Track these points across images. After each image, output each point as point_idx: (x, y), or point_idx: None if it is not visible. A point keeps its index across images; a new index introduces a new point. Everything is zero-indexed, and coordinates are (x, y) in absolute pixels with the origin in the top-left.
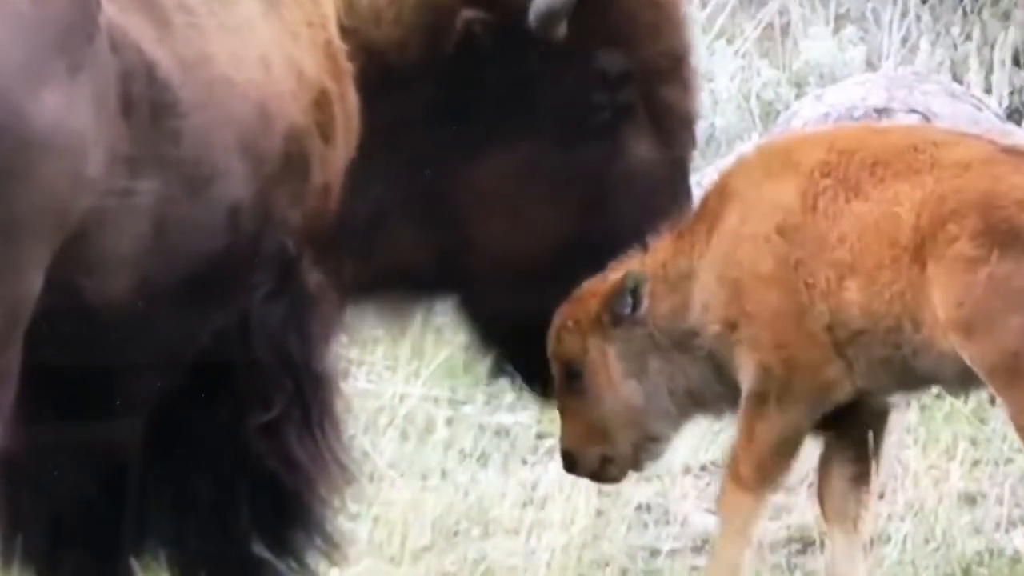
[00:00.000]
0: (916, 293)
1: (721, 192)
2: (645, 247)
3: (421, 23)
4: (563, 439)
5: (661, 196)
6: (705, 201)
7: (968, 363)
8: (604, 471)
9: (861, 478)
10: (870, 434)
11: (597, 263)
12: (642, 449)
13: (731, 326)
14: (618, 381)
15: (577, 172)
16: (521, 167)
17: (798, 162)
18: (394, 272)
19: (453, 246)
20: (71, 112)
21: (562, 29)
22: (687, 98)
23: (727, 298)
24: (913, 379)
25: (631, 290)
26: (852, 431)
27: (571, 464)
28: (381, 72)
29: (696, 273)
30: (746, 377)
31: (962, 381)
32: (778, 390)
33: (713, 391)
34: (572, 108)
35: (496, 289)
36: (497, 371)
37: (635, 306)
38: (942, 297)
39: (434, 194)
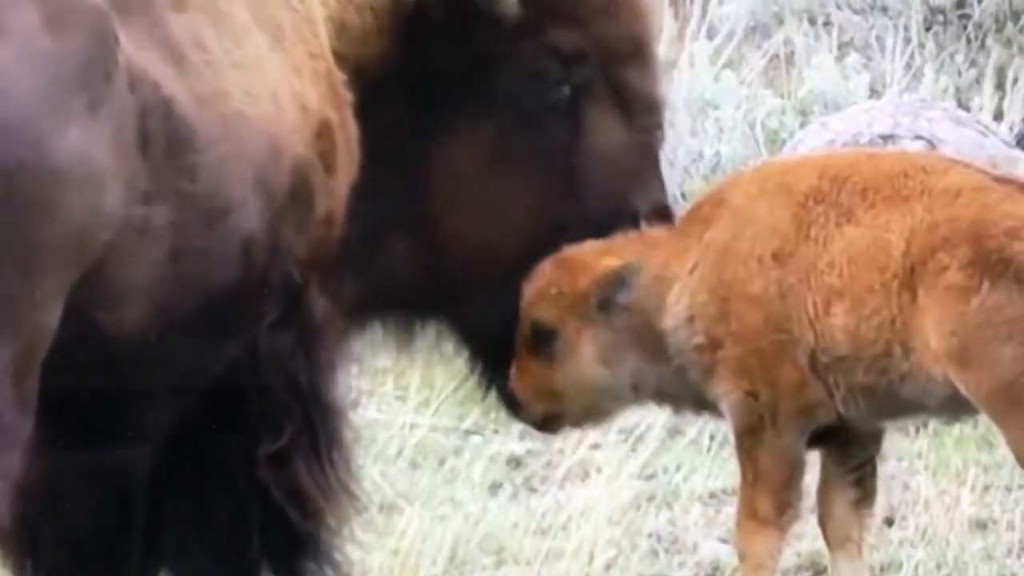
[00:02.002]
0: (906, 320)
1: (715, 203)
2: (640, 233)
3: (392, 24)
4: (515, 383)
5: (628, 180)
6: (698, 208)
7: (964, 392)
8: (546, 424)
9: (863, 502)
10: (869, 457)
11: (562, 247)
12: (590, 416)
13: (716, 344)
14: (586, 361)
15: (546, 155)
16: (491, 154)
17: (792, 186)
18: (387, 288)
19: (434, 246)
20: (90, 147)
21: (512, 5)
22: (650, 82)
23: (716, 314)
24: (896, 406)
25: (626, 283)
26: (850, 455)
27: (515, 408)
28: (368, 90)
29: (683, 279)
30: (730, 408)
31: (948, 409)
32: (770, 415)
33: (677, 392)
34: (531, 89)
35: (475, 283)
36: (486, 384)
37: (624, 296)
38: (935, 326)
39: (415, 196)
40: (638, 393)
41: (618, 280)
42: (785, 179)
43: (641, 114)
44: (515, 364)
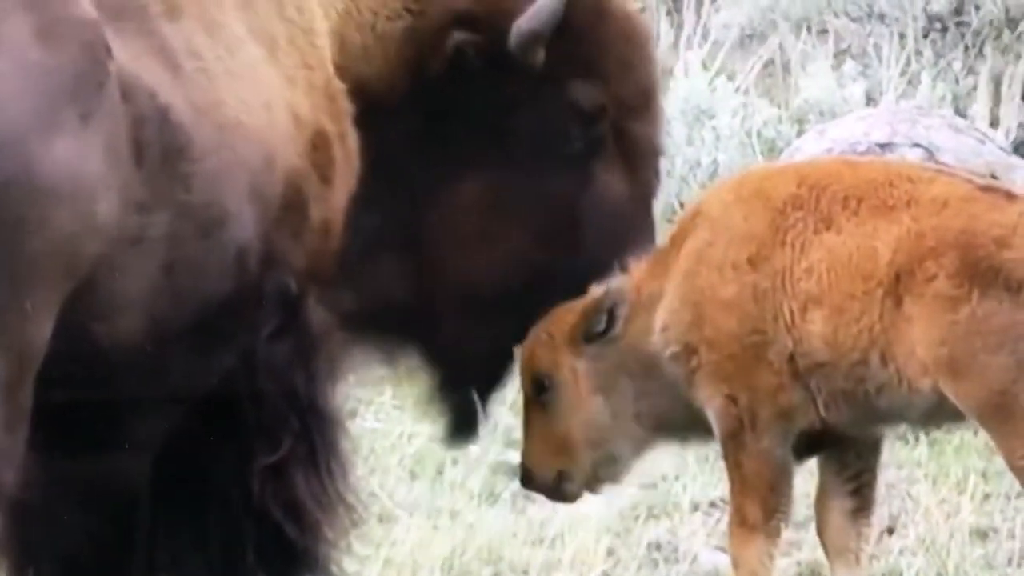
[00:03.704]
0: (887, 329)
1: (693, 215)
2: (624, 269)
3: (407, 54)
4: (523, 453)
5: (625, 229)
6: (679, 225)
7: (955, 402)
8: (560, 488)
9: (861, 511)
10: (867, 467)
11: (561, 295)
12: (601, 468)
13: (691, 351)
14: (586, 398)
15: (549, 203)
16: (495, 195)
17: (769, 193)
18: (373, 305)
19: (426, 273)
20: (82, 159)
21: (540, 55)
22: (655, 134)
23: (689, 321)
24: (876, 415)
25: (608, 308)
26: (846, 464)
27: (527, 478)
28: (369, 107)
29: (663, 295)
30: (714, 414)
31: (929, 420)
32: (750, 420)
33: (678, 417)
34: (547, 138)
35: (458, 317)
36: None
37: (610, 325)
38: (923, 336)
39: (412, 221)
40: (641, 423)
41: (601, 310)
42: (762, 186)
43: (645, 164)
44: (523, 436)
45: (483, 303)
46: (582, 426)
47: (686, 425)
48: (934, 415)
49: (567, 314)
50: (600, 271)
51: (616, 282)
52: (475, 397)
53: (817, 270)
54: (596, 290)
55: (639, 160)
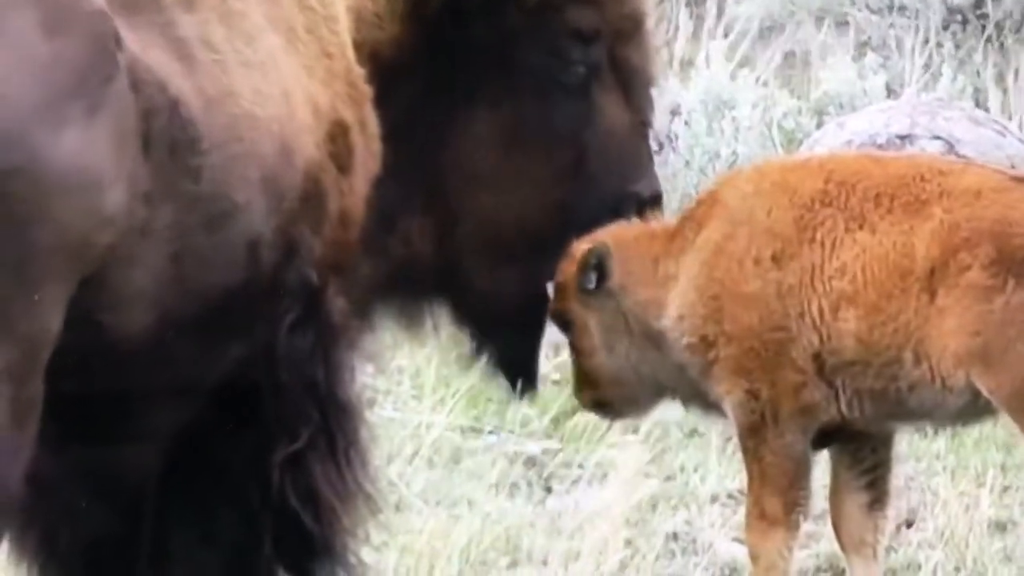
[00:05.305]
0: (922, 324)
1: (710, 203)
2: (643, 223)
3: (408, 5)
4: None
5: (631, 161)
6: (694, 208)
7: (985, 393)
8: (599, 411)
9: (876, 504)
10: (881, 460)
11: (576, 228)
12: (623, 405)
13: (708, 343)
14: (594, 346)
15: (558, 134)
16: (507, 132)
17: (795, 188)
18: (403, 269)
19: (448, 223)
20: (89, 152)
21: None
22: (648, 60)
23: (706, 314)
24: (903, 413)
25: (594, 265)
26: (860, 458)
27: (576, 397)
28: (384, 74)
29: (677, 278)
30: (732, 407)
31: (955, 419)
32: (771, 415)
33: (677, 386)
34: (549, 67)
35: (484, 262)
36: (492, 371)
37: (600, 279)
38: (956, 327)
39: (432, 173)
40: (643, 382)
41: (587, 268)
42: (786, 180)
43: (640, 93)
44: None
45: (507, 244)
46: (595, 368)
47: (683, 393)
48: (963, 414)
49: (571, 260)
50: (613, 202)
51: (601, 236)
52: (521, 343)
53: (851, 268)
54: (580, 246)
55: (634, 87)
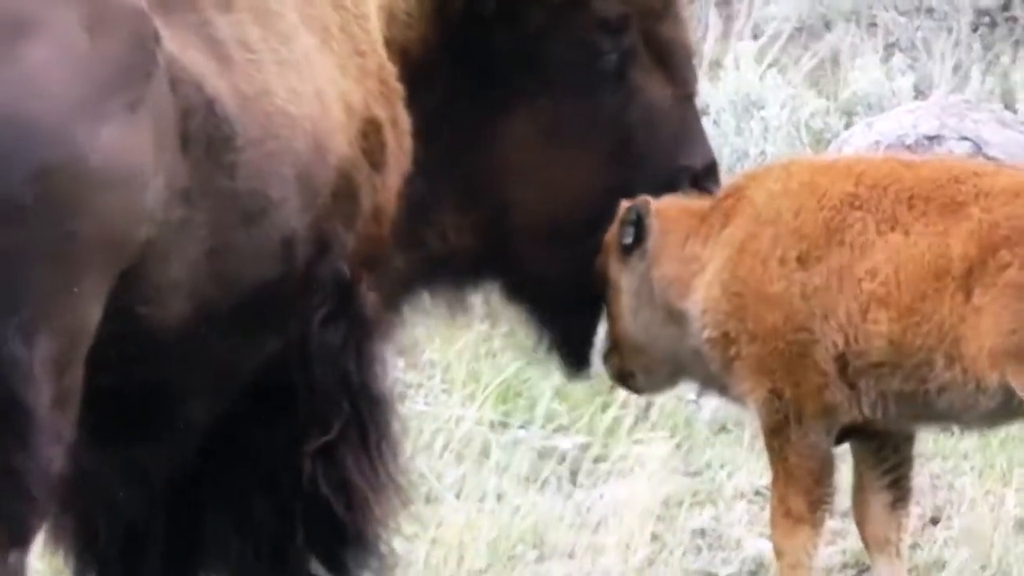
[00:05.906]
0: (956, 324)
1: (737, 197)
2: (692, 197)
3: (434, 4)
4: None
5: (679, 135)
6: (722, 200)
7: (1019, 392)
8: (624, 381)
9: (899, 503)
10: (903, 459)
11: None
12: (646, 377)
13: (730, 340)
14: (625, 311)
15: (599, 119)
16: (546, 123)
17: (825, 189)
18: (441, 260)
19: (493, 219)
20: (129, 148)
21: None
22: (684, 33)
23: (729, 311)
24: (929, 416)
25: (632, 220)
26: (883, 457)
27: (604, 365)
28: (414, 72)
29: (700, 262)
30: (756, 406)
31: (984, 421)
32: (795, 415)
33: (693, 369)
34: (581, 57)
35: (539, 251)
36: (548, 350)
37: (638, 237)
38: (993, 325)
39: (469, 171)
40: (663, 357)
41: (626, 223)
42: (815, 181)
43: (680, 66)
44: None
45: (562, 232)
46: (621, 333)
47: (699, 379)
48: (993, 416)
49: (615, 219)
50: (661, 178)
51: (641, 197)
52: (578, 325)
53: (883, 271)
54: (624, 203)
55: (673, 62)
